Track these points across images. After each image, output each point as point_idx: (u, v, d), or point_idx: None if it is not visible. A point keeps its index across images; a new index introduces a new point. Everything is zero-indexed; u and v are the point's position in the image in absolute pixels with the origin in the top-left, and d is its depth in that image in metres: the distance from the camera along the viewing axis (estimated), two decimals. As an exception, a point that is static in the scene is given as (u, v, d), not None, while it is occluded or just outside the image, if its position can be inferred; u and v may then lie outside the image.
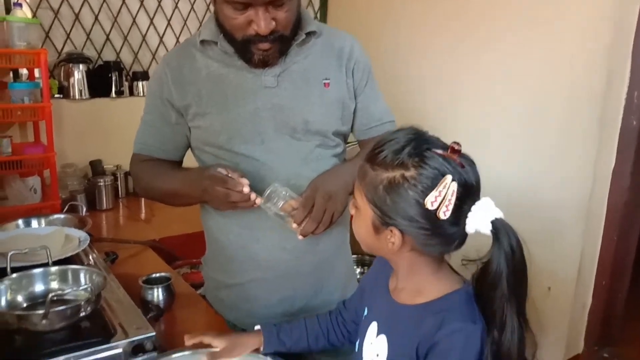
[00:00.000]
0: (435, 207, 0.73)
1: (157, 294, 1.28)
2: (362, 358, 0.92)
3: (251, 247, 1.16)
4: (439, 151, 0.75)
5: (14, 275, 1.10)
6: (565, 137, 2.06)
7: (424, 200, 0.74)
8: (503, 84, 2.24)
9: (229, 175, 1.04)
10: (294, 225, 1.07)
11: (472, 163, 0.77)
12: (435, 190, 0.73)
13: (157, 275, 1.33)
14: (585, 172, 2.04)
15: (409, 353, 0.82)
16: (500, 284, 0.74)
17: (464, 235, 0.78)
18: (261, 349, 1.00)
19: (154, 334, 1.03)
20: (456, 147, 0.75)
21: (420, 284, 0.84)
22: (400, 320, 0.85)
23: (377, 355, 0.88)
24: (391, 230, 0.78)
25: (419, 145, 0.76)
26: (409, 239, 0.79)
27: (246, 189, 1.01)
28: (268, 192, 1.06)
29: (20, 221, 1.66)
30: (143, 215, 2.29)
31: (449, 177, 0.73)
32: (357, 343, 0.96)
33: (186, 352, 0.98)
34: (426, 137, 0.78)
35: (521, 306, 0.75)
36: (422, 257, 0.82)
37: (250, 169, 1.14)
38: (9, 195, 2.10)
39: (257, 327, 1.02)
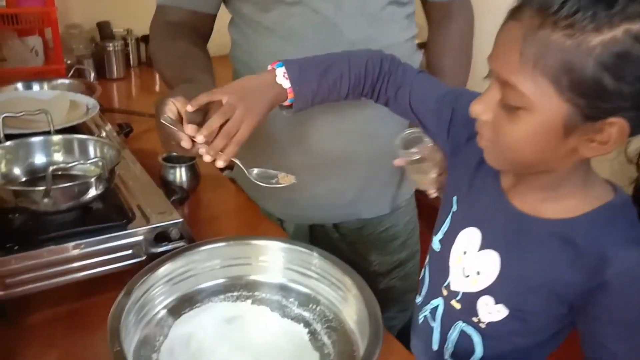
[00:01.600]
0: None
1: (180, 174, 1.10)
2: (447, 262, 0.74)
3: (299, 127, 0.94)
4: None
5: (9, 143, 0.90)
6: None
7: None
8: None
9: (176, 114, 0.73)
10: (433, 175, 0.83)
11: None
12: None
13: (180, 152, 1.14)
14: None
15: (538, 284, 0.64)
16: None
17: None
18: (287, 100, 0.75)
19: (181, 220, 0.86)
20: None
21: (562, 192, 0.62)
22: (527, 238, 0.65)
23: (478, 273, 0.69)
24: (609, 124, 0.53)
25: None
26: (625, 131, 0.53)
27: (185, 144, 0.70)
28: (408, 134, 0.83)
29: (19, 84, 1.45)
30: (158, 87, 2.06)
31: None
32: (436, 239, 0.77)
33: (221, 244, 0.81)
34: None
35: None
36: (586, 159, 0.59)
37: (306, 25, 0.88)
38: (7, 57, 1.86)
39: (270, 67, 0.75)
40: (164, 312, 0.77)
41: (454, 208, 0.75)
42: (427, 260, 0.82)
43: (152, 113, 1.57)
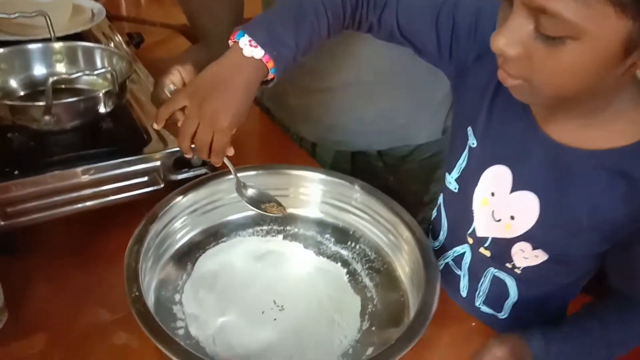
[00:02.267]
0: None
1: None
2: (469, 204, 0.64)
3: (352, 41, 0.80)
4: None
5: (3, 50, 0.78)
6: None
7: None
8: None
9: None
10: None
11: None
12: None
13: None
14: None
15: (583, 226, 0.55)
16: None
17: None
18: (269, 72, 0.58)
19: (202, 144, 0.75)
20: None
21: (607, 115, 0.52)
22: (568, 174, 0.55)
23: (512, 217, 0.59)
24: None
25: None
26: None
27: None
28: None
29: (15, -14, 1.29)
30: (169, -5, 1.88)
31: None
32: (451, 177, 0.67)
33: (251, 172, 0.71)
34: None
35: None
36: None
37: None
38: (2, -44, 1.68)
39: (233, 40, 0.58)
40: (186, 247, 0.69)
41: (472, 142, 0.63)
42: (440, 200, 0.72)
43: (165, 22, 1.43)
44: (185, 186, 0.68)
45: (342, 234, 0.73)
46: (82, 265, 0.68)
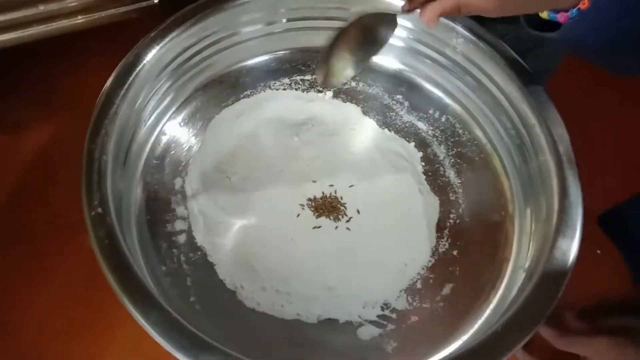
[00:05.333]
0: None
1: None
2: None
3: None
4: None
5: None
6: None
7: None
8: None
9: None
10: None
11: None
12: None
13: None
14: None
15: None
16: None
17: None
18: None
19: None
20: None
21: None
22: None
23: None
24: None
25: None
26: None
27: None
28: None
29: None
30: None
31: None
32: None
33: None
34: None
35: None
36: None
37: None
38: None
39: None
40: (192, 105, 0.47)
41: None
42: None
43: None
44: (191, 7, 0.43)
45: (422, 97, 0.50)
46: (43, 121, 0.47)
